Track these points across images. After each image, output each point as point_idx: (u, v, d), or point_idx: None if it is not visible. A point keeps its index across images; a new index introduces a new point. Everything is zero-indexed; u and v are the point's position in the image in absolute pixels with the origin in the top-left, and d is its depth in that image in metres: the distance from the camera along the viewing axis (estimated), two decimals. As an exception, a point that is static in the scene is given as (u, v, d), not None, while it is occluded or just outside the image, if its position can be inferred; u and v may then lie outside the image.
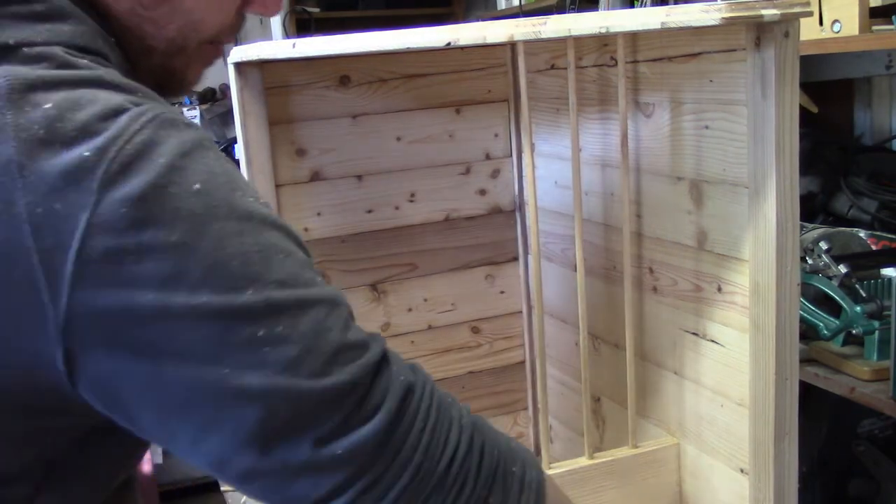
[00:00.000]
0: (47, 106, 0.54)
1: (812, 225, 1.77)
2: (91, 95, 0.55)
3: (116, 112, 0.55)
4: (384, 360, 0.60)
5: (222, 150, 3.02)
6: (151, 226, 0.53)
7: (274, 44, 1.22)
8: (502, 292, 1.57)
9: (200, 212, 0.54)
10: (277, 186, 1.38)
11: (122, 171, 0.53)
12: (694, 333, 1.15)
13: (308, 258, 0.61)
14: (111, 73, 0.59)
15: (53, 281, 0.52)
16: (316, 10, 3.85)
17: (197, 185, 0.55)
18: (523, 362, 1.61)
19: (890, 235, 1.72)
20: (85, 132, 0.53)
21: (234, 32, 0.71)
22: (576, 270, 1.16)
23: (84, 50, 0.59)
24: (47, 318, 0.52)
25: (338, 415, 0.57)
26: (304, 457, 0.57)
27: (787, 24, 0.91)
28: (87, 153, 0.53)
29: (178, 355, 0.54)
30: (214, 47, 0.71)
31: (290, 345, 0.55)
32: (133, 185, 0.53)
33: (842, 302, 1.46)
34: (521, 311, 1.59)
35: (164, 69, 0.69)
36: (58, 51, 0.57)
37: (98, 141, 0.53)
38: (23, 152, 0.52)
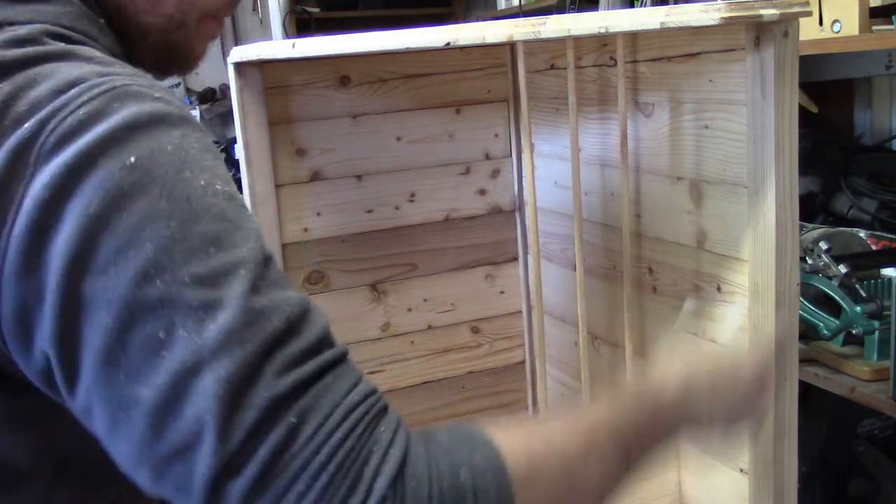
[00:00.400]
0: (2, 84, 0.53)
1: (812, 225, 1.77)
2: (49, 70, 0.54)
3: (71, 85, 0.53)
4: (291, 394, 0.51)
5: (222, 150, 3.01)
6: (73, 196, 0.50)
7: (274, 44, 1.22)
8: (502, 292, 1.57)
9: (127, 187, 0.51)
10: (277, 186, 1.38)
11: (59, 143, 0.51)
12: (694, 333, 1.15)
13: (258, 259, 0.53)
14: (87, 49, 0.57)
15: None
16: (316, 10, 3.85)
17: (132, 159, 0.51)
18: (523, 362, 1.61)
19: (890, 235, 1.72)
20: (33, 108, 0.52)
21: (232, 6, 0.71)
22: (576, 270, 1.16)
23: (69, 30, 0.58)
24: None
25: (216, 456, 0.49)
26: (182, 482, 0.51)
27: (787, 24, 0.91)
28: (28, 125, 0.52)
29: (82, 339, 0.51)
30: (216, 21, 0.71)
31: (185, 351, 0.50)
32: (65, 155, 0.51)
33: (842, 302, 1.46)
34: (521, 311, 1.59)
35: (165, 45, 0.68)
36: (35, 30, 0.56)
37: (41, 114, 0.52)
38: None
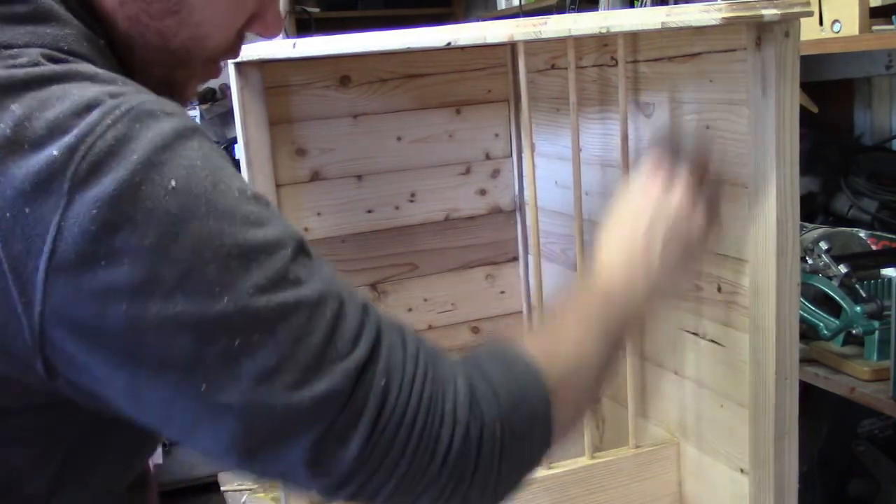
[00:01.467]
0: (14, 107, 0.52)
1: (812, 225, 1.77)
2: (61, 91, 0.53)
3: (89, 107, 0.52)
4: (371, 358, 0.58)
5: (223, 150, 3.01)
6: (124, 228, 0.50)
7: (274, 44, 1.22)
8: (502, 292, 1.57)
9: (176, 211, 0.52)
10: (277, 186, 1.38)
11: (93, 170, 0.50)
12: (694, 333, 1.15)
13: (296, 251, 0.57)
14: (86, 66, 0.57)
15: (25, 290, 0.50)
16: (316, 10, 3.85)
17: (173, 183, 0.52)
18: (523, 362, 1.61)
19: (890, 235, 1.72)
20: (54, 131, 0.51)
21: (234, 52, 0.70)
22: (576, 270, 1.16)
23: (68, 53, 0.57)
24: (23, 328, 0.51)
25: (318, 426, 0.55)
26: (285, 467, 0.56)
27: (787, 24, 0.91)
28: (55, 153, 0.50)
29: (153, 366, 0.53)
30: (215, 65, 0.70)
31: (267, 355, 0.54)
32: (104, 184, 0.50)
33: (842, 302, 1.46)
34: (521, 311, 1.59)
35: (165, 80, 0.67)
36: (34, 52, 0.55)
37: (67, 139, 0.51)
38: None
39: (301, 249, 0.58)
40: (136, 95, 0.55)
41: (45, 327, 0.51)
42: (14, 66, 0.54)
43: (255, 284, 0.54)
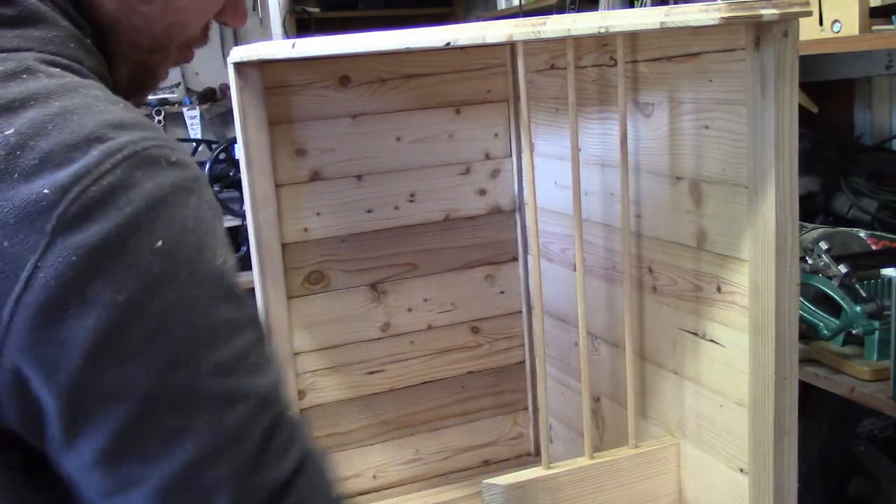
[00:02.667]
0: (9, 132, 0.50)
1: (812, 225, 1.77)
2: (60, 118, 0.51)
3: (88, 142, 0.50)
4: (291, 480, 0.55)
5: (222, 150, 3.02)
6: (100, 280, 0.48)
7: (274, 44, 1.22)
8: (502, 292, 1.57)
9: (157, 272, 0.50)
10: (277, 186, 1.38)
11: (82, 216, 0.48)
12: (694, 333, 1.15)
13: (259, 336, 0.56)
14: (88, 83, 0.56)
15: None
16: (316, 10, 3.85)
17: (160, 243, 0.50)
18: (523, 362, 1.61)
19: (890, 235, 1.72)
20: (47, 164, 0.49)
21: (205, 40, 0.72)
22: (576, 270, 1.16)
23: (56, 55, 0.57)
24: None
25: None
26: None
27: (787, 24, 0.91)
28: (46, 190, 0.48)
29: (94, 424, 0.50)
30: (189, 50, 0.72)
31: (203, 442, 0.51)
32: (90, 232, 0.48)
33: (842, 302, 1.46)
34: (520, 311, 1.59)
35: (142, 66, 0.68)
36: (29, 58, 0.54)
37: (61, 177, 0.49)
38: None
39: (263, 335, 0.57)
40: (141, 134, 0.53)
41: (3, 350, 0.49)
42: (6, 79, 0.52)
43: (217, 363, 0.52)
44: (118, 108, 0.55)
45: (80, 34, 0.61)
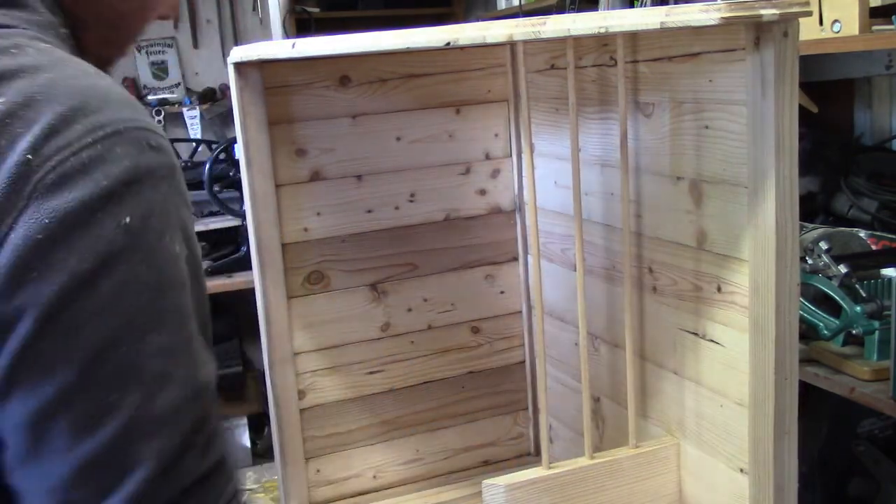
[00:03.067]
0: (1, 100, 0.52)
1: (812, 225, 1.77)
2: (49, 89, 0.53)
3: (74, 113, 0.53)
4: (206, 477, 0.56)
5: (222, 150, 3.01)
6: (65, 246, 0.51)
7: (274, 44, 1.22)
8: (502, 292, 1.57)
9: (118, 248, 0.52)
10: (277, 186, 1.38)
11: (59, 183, 0.51)
12: (694, 333, 1.15)
13: (201, 325, 0.57)
14: (73, 60, 0.57)
15: None
16: (316, 10, 3.85)
17: (127, 219, 0.52)
18: (523, 362, 1.61)
19: (890, 235, 1.72)
20: (34, 133, 0.51)
21: (177, 15, 0.75)
22: (576, 270, 1.16)
23: (37, 39, 0.58)
24: None
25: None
26: None
27: (787, 24, 0.91)
28: (29, 156, 0.51)
29: (31, 386, 0.51)
30: (141, 30, 0.73)
31: (134, 420, 0.52)
32: (64, 199, 0.51)
33: (842, 302, 1.46)
34: (520, 311, 1.59)
35: (108, 62, 0.70)
36: (16, 34, 0.56)
37: (44, 145, 0.51)
38: None
39: (208, 333, 0.59)
40: (127, 111, 0.55)
41: None
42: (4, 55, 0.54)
43: (161, 346, 0.54)
44: (106, 83, 0.57)
45: (56, 22, 0.62)
